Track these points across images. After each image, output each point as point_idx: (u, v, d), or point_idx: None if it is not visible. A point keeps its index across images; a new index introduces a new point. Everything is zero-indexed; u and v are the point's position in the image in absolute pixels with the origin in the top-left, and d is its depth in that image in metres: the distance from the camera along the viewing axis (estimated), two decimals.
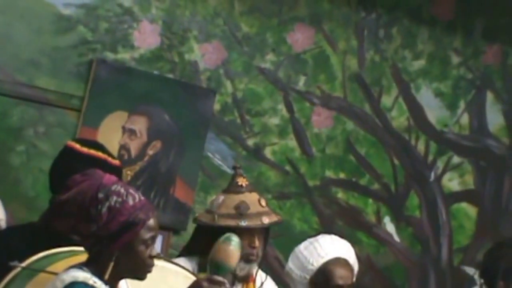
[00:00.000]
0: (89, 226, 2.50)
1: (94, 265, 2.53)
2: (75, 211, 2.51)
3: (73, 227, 2.53)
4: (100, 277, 2.52)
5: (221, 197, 3.48)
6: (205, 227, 3.44)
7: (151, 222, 2.54)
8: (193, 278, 2.96)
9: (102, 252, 2.52)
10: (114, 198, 2.50)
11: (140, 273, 2.56)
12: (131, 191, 2.54)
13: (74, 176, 2.55)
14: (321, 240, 3.64)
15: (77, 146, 3.22)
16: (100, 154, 3.19)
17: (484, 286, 3.76)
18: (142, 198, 2.55)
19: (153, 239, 2.55)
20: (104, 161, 3.17)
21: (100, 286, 2.48)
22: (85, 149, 3.20)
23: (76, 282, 2.46)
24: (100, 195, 2.50)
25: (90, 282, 2.47)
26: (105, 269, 2.51)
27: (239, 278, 3.42)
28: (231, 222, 3.37)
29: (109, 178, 2.56)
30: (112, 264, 2.49)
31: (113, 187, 2.52)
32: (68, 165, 3.15)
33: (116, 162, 3.24)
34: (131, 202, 2.51)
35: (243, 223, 3.37)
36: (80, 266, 2.54)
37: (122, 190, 2.53)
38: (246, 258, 3.37)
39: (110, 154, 3.25)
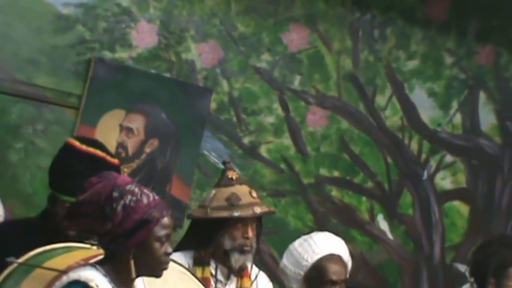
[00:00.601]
0: (104, 225, 2.53)
1: (109, 263, 2.56)
2: (91, 211, 2.55)
3: (89, 227, 2.57)
4: (114, 276, 2.54)
5: (213, 192, 3.49)
6: (199, 222, 3.46)
7: (165, 220, 2.57)
8: (187, 273, 3.01)
9: (117, 250, 2.55)
10: (129, 197, 2.53)
11: (155, 270, 2.59)
12: (145, 190, 2.57)
13: (90, 179, 2.59)
14: (315, 237, 3.67)
15: (77, 143, 3.23)
16: (99, 152, 3.21)
17: (474, 284, 3.79)
18: (157, 197, 2.58)
19: (167, 236, 2.58)
20: (103, 160, 3.19)
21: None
22: (84, 147, 3.21)
23: (78, 282, 2.49)
24: (115, 194, 2.53)
25: (91, 284, 2.49)
26: (122, 267, 2.54)
27: (235, 270, 3.44)
28: (224, 214, 3.39)
29: (123, 178, 2.59)
30: (132, 262, 2.52)
31: (128, 187, 2.55)
32: (67, 163, 3.18)
33: (115, 160, 3.25)
34: (145, 200, 2.54)
35: (236, 214, 3.38)
36: (94, 264, 2.57)
37: (137, 190, 2.55)
38: (240, 249, 3.40)
39: (109, 153, 3.27)
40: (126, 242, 2.53)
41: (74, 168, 3.13)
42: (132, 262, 2.53)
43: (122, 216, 2.52)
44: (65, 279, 2.52)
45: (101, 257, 2.61)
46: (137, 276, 2.60)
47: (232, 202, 3.40)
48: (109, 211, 2.52)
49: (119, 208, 2.52)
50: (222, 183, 3.48)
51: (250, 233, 3.41)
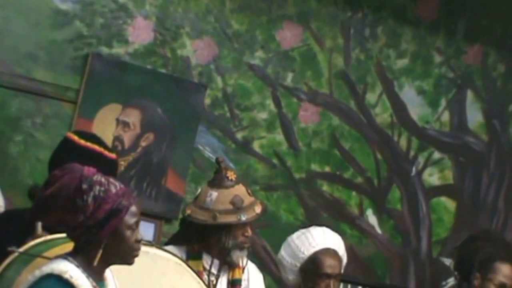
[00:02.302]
0: (76, 217, 2.51)
1: (81, 254, 2.55)
2: (61, 204, 2.52)
3: (60, 220, 2.55)
4: (87, 266, 2.54)
5: (214, 193, 3.48)
6: (204, 225, 3.46)
7: (134, 208, 2.57)
8: (183, 265, 3.05)
9: (90, 241, 2.54)
10: (98, 187, 2.52)
11: (128, 257, 2.59)
12: (111, 180, 2.57)
13: (53, 172, 2.59)
14: (313, 231, 3.73)
15: (75, 138, 3.25)
16: (96, 147, 3.23)
17: (459, 278, 3.81)
18: (122, 186, 2.58)
19: (137, 223, 2.60)
20: (101, 154, 3.21)
21: (76, 281, 2.49)
22: (82, 142, 3.23)
23: (52, 275, 2.48)
24: (84, 186, 2.52)
25: (66, 276, 2.48)
26: (94, 257, 2.54)
27: (235, 265, 3.48)
28: (232, 218, 3.42)
29: (88, 169, 2.57)
30: (100, 251, 2.53)
31: (95, 177, 2.55)
32: (66, 157, 3.14)
33: (113, 155, 3.27)
34: (113, 190, 2.54)
35: (243, 218, 3.42)
36: (66, 256, 2.56)
37: (103, 180, 2.55)
38: (241, 247, 3.45)
39: (106, 147, 3.29)
40: (99, 232, 2.53)
41: (73, 162, 3.15)
42: (100, 252, 2.53)
43: (94, 207, 2.51)
44: (37, 273, 2.50)
45: (69, 249, 2.59)
46: (109, 265, 2.61)
47: (237, 205, 3.43)
48: (81, 203, 2.51)
49: (90, 199, 2.51)
50: (223, 185, 3.48)
51: (249, 232, 3.47)
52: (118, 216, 2.54)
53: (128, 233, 2.56)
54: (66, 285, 2.48)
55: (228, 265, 3.49)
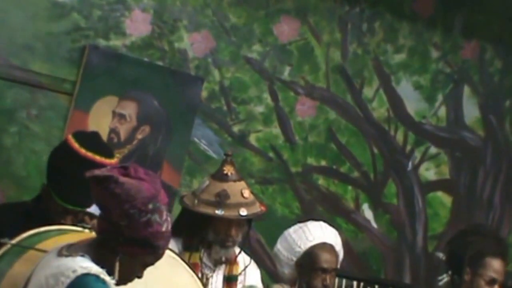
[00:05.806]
0: (121, 218, 2.52)
1: (97, 253, 2.55)
2: (123, 199, 2.51)
3: (108, 207, 2.54)
4: (99, 267, 2.55)
5: (207, 182, 3.49)
6: (187, 210, 3.48)
7: (161, 253, 2.58)
8: (177, 258, 3.04)
9: (110, 245, 2.55)
10: (157, 216, 2.54)
11: (122, 282, 2.58)
12: (168, 219, 2.58)
13: (139, 168, 2.58)
14: (310, 225, 3.74)
15: (76, 146, 3.19)
16: (97, 158, 3.17)
17: (450, 273, 3.80)
18: (169, 229, 2.59)
19: (150, 266, 2.59)
20: (101, 164, 3.12)
21: (110, 281, 2.50)
22: (82, 151, 3.17)
23: (89, 274, 2.48)
24: (150, 206, 2.52)
25: (102, 276, 2.49)
26: (108, 264, 2.53)
27: (217, 261, 3.48)
28: (209, 210, 3.40)
29: (164, 196, 2.58)
30: (118, 263, 2.53)
31: (163, 207, 2.56)
32: (66, 163, 3.17)
33: (112, 161, 3.22)
34: (163, 228, 2.55)
35: (219, 212, 3.39)
36: (82, 253, 2.54)
37: (164, 214, 2.56)
38: (221, 244, 3.44)
39: (107, 154, 3.23)
40: (122, 244, 2.53)
41: (71, 173, 3.11)
42: (117, 264, 2.53)
43: (139, 226, 2.52)
44: (70, 274, 2.48)
45: (85, 242, 2.59)
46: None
47: (220, 199, 3.40)
48: (135, 215, 2.51)
49: (144, 219, 2.52)
50: (218, 177, 3.47)
51: (233, 232, 3.43)
52: (146, 249, 2.54)
53: (138, 267, 2.56)
54: (104, 283, 2.49)
55: (219, 260, 3.49)
